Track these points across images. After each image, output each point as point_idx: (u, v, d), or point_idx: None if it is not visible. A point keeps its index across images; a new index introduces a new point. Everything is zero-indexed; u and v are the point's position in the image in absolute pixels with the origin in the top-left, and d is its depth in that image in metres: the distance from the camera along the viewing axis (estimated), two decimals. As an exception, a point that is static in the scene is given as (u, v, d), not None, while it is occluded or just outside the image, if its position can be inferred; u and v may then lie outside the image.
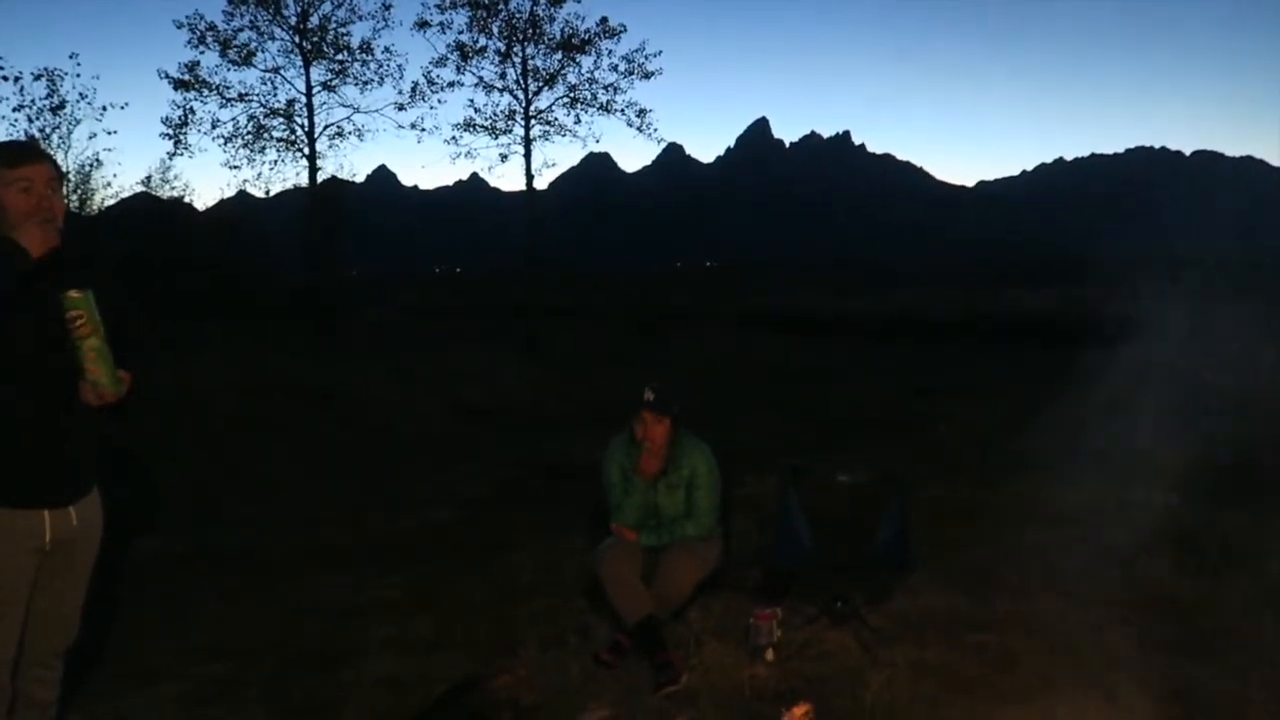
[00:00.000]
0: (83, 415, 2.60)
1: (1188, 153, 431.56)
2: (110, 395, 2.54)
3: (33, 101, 24.77)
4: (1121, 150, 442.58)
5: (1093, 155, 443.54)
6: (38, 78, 24.52)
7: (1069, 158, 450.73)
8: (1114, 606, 4.41)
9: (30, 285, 2.49)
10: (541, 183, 31.05)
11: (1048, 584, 4.71)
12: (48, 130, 24.98)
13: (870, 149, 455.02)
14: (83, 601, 2.78)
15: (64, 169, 25.41)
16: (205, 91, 27.32)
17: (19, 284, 2.48)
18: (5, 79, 21.25)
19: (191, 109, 27.29)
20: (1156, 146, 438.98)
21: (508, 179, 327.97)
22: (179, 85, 27.09)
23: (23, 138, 24.48)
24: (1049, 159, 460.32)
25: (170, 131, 27.28)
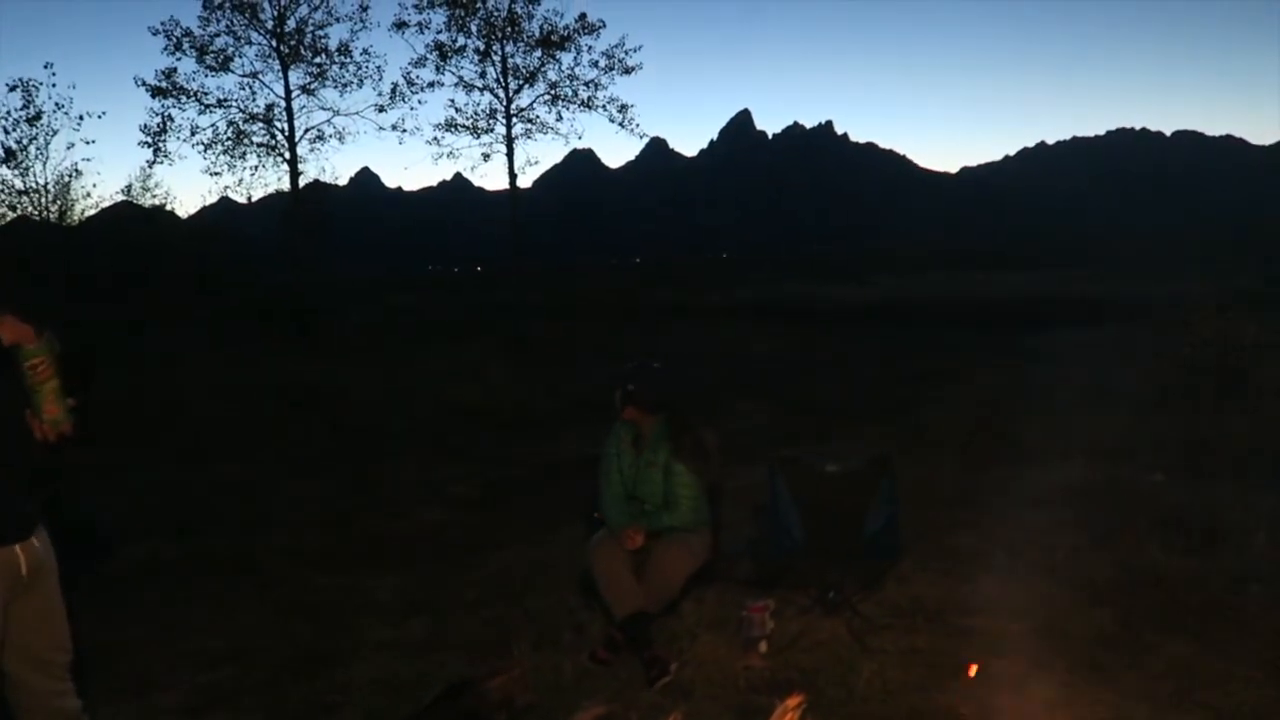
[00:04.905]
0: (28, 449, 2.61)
1: (1168, 133, 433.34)
2: (66, 429, 2.55)
3: (8, 113, 24.57)
4: (1102, 133, 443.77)
5: (1074, 139, 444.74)
6: (12, 89, 24.34)
7: (1050, 141, 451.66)
8: (1101, 586, 4.45)
9: None
10: (525, 181, 31.03)
11: (1035, 566, 4.75)
12: (24, 141, 24.78)
13: (853, 138, 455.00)
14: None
15: (43, 180, 25.23)
16: (183, 98, 27.17)
17: None
18: (-22, 92, 21.09)
19: (170, 116, 27.13)
20: (1137, 128, 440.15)
21: (491, 178, 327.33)
22: (156, 93, 26.91)
23: (-1, 151, 24.21)
24: (1031, 143, 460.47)
25: (149, 139, 27.08)
